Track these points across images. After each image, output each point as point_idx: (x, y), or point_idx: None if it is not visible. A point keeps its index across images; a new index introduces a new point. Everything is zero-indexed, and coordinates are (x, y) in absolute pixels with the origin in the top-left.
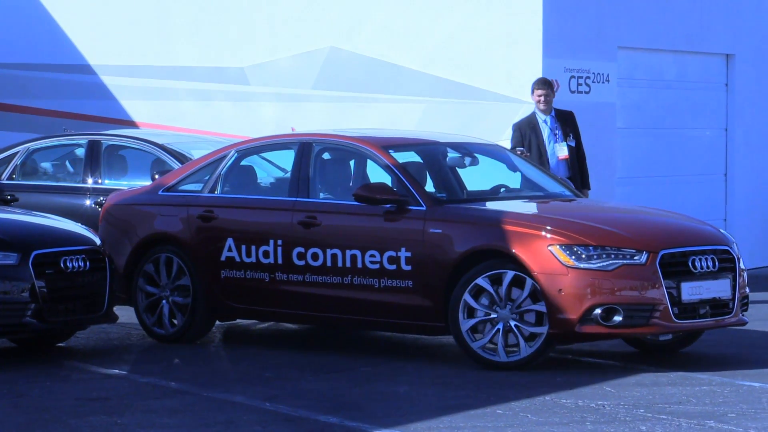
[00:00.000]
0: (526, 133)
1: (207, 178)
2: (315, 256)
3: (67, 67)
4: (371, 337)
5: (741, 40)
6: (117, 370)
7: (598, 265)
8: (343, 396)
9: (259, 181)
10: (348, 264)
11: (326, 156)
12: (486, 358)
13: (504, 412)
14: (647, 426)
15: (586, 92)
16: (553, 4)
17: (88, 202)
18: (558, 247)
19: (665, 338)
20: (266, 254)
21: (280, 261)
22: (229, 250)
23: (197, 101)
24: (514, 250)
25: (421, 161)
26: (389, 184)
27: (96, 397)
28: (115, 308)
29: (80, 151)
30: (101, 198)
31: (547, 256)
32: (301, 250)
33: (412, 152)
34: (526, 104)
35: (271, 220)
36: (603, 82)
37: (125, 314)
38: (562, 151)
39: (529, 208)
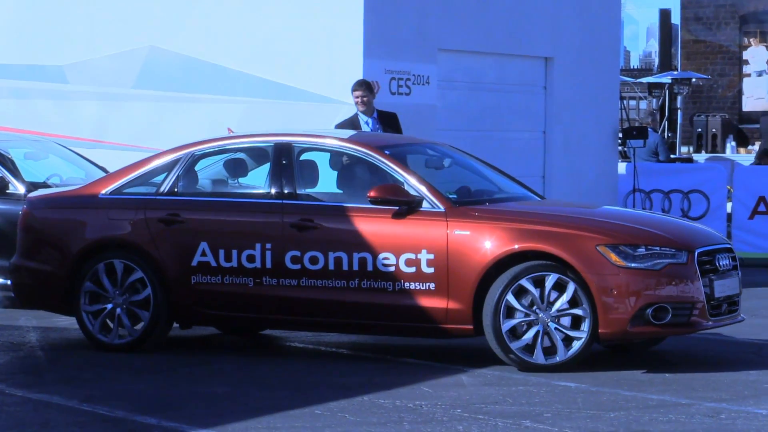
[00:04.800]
0: None
1: (161, 180)
2: (314, 260)
3: None
4: (188, 337)
5: (559, 44)
6: None
7: (647, 264)
8: (162, 396)
9: (228, 182)
10: (355, 267)
11: (309, 157)
12: (525, 360)
13: (322, 412)
14: (464, 426)
15: (407, 94)
16: (373, 5)
17: None
18: (606, 247)
19: None
20: (251, 258)
21: (268, 265)
22: (203, 254)
23: (15, 99)
24: (559, 251)
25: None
26: (380, 184)
27: None
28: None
29: None
30: None
31: (595, 257)
32: (296, 253)
33: (405, 153)
34: (347, 105)
35: (255, 222)
36: (423, 84)
37: None
38: None
39: (551, 209)
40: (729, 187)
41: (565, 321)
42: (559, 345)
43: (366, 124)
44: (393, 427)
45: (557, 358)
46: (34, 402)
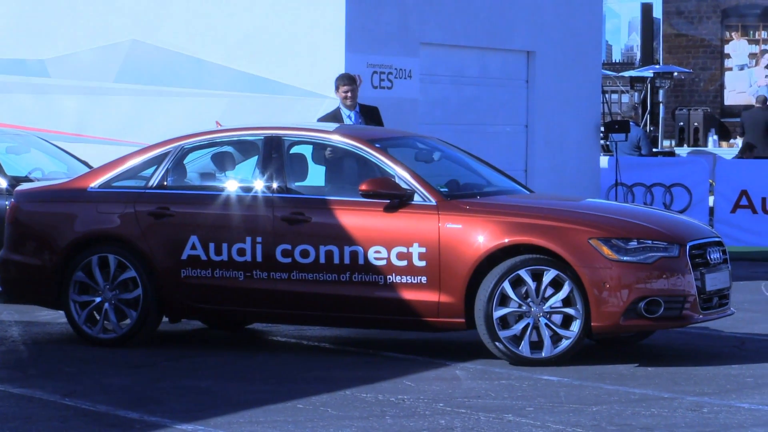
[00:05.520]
0: None
1: (150, 173)
2: (305, 253)
3: None
4: (171, 331)
5: (541, 38)
6: None
7: (639, 257)
8: (145, 391)
9: (218, 176)
10: (347, 261)
11: (299, 150)
12: (511, 350)
13: (304, 406)
14: (446, 420)
15: (389, 88)
16: None
17: None
18: (598, 240)
19: None
20: (241, 252)
21: (259, 259)
22: (193, 248)
23: None
24: (552, 245)
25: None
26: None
27: None
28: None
29: None
30: None
31: (588, 250)
32: (287, 247)
33: (395, 147)
34: (329, 99)
35: (245, 215)
36: (405, 78)
37: None
38: None
39: (543, 202)
40: (711, 180)
41: (557, 318)
42: (547, 341)
43: (348, 117)
44: (375, 421)
45: (543, 354)
46: (16, 397)
